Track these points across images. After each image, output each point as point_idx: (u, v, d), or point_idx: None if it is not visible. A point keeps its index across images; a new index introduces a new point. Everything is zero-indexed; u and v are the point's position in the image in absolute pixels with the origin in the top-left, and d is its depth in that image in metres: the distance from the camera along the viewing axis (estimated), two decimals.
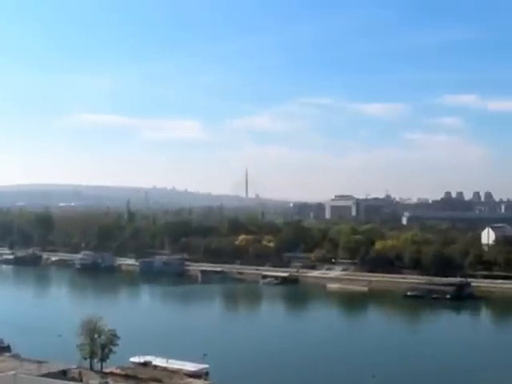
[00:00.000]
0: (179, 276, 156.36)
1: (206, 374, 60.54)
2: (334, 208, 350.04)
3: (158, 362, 63.60)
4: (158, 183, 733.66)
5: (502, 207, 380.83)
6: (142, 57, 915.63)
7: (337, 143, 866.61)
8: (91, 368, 61.51)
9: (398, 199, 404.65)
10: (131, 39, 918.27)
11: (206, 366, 61.23)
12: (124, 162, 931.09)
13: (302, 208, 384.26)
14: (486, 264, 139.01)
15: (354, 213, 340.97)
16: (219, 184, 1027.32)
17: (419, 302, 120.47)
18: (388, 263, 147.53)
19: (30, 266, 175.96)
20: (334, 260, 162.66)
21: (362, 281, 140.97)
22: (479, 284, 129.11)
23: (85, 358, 61.52)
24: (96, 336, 61.33)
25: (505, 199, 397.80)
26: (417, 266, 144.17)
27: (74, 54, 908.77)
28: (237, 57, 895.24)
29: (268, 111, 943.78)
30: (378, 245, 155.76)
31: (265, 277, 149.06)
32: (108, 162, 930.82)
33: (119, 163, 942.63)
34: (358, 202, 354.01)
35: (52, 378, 52.11)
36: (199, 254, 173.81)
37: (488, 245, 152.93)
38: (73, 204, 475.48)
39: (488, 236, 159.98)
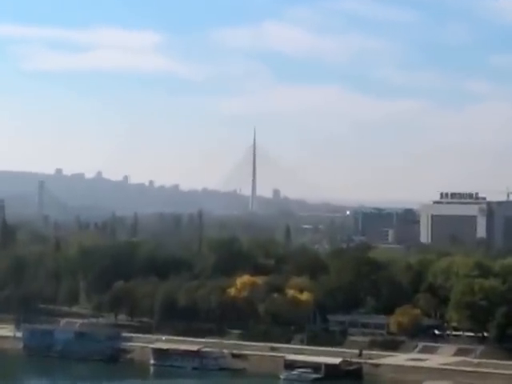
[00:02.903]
0: (110, 361, 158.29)
1: None
2: (438, 220, 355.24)
3: None
4: (66, 165, 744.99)
5: None
6: None
7: (448, 83, 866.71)
8: None
9: None
10: None
11: None
12: None
13: (371, 219, 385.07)
14: None
15: (481, 231, 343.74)
16: (197, 169, 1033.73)
17: None
18: None
19: None
20: (438, 331, 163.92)
21: (502, 376, 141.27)
22: None
23: None
24: None
25: None
26: None
27: None
28: None
29: (295, 13, 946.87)
30: None
31: (291, 365, 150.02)
32: None
33: None
34: (489, 208, 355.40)
35: None
36: (152, 317, 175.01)
37: None
38: None
39: None
